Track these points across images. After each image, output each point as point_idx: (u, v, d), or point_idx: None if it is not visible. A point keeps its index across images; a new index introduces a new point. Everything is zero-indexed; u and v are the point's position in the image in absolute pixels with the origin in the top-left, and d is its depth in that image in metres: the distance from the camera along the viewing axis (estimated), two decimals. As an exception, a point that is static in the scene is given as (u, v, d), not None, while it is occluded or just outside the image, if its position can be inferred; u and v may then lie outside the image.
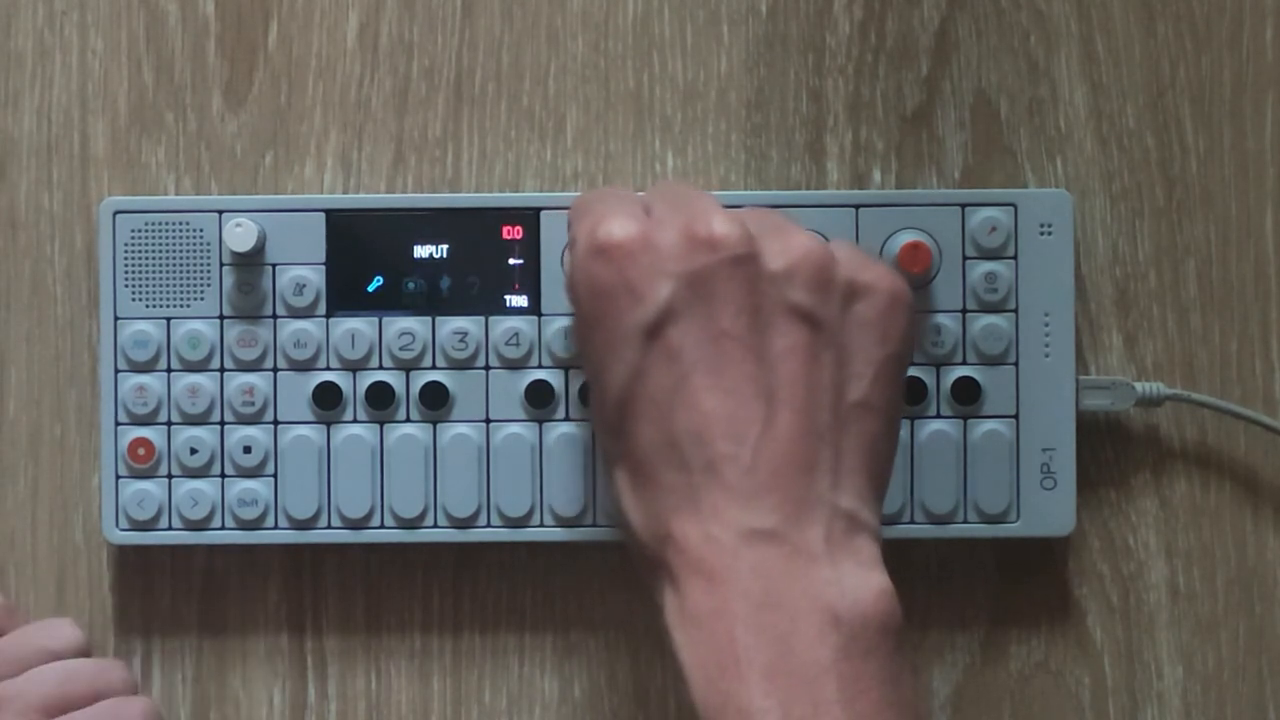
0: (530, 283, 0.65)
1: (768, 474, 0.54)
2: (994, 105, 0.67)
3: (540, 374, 0.65)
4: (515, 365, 0.65)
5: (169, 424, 0.66)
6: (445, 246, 0.66)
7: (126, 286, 0.66)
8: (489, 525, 0.66)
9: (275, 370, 0.66)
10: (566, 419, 0.65)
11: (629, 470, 0.56)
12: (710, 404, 0.54)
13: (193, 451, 0.66)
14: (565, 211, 0.65)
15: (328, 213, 0.66)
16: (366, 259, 0.66)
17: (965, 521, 0.66)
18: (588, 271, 0.55)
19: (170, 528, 0.66)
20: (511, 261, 0.66)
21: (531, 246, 0.66)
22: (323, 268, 0.66)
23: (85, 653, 0.65)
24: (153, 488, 0.66)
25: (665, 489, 0.54)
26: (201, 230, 0.66)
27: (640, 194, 0.59)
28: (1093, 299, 0.67)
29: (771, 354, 0.54)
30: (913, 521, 0.66)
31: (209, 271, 0.66)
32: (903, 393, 0.57)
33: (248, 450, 0.66)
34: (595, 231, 0.56)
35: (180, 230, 0.66)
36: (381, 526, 0.66)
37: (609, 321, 0.55)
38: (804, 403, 0.54)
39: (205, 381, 0.66)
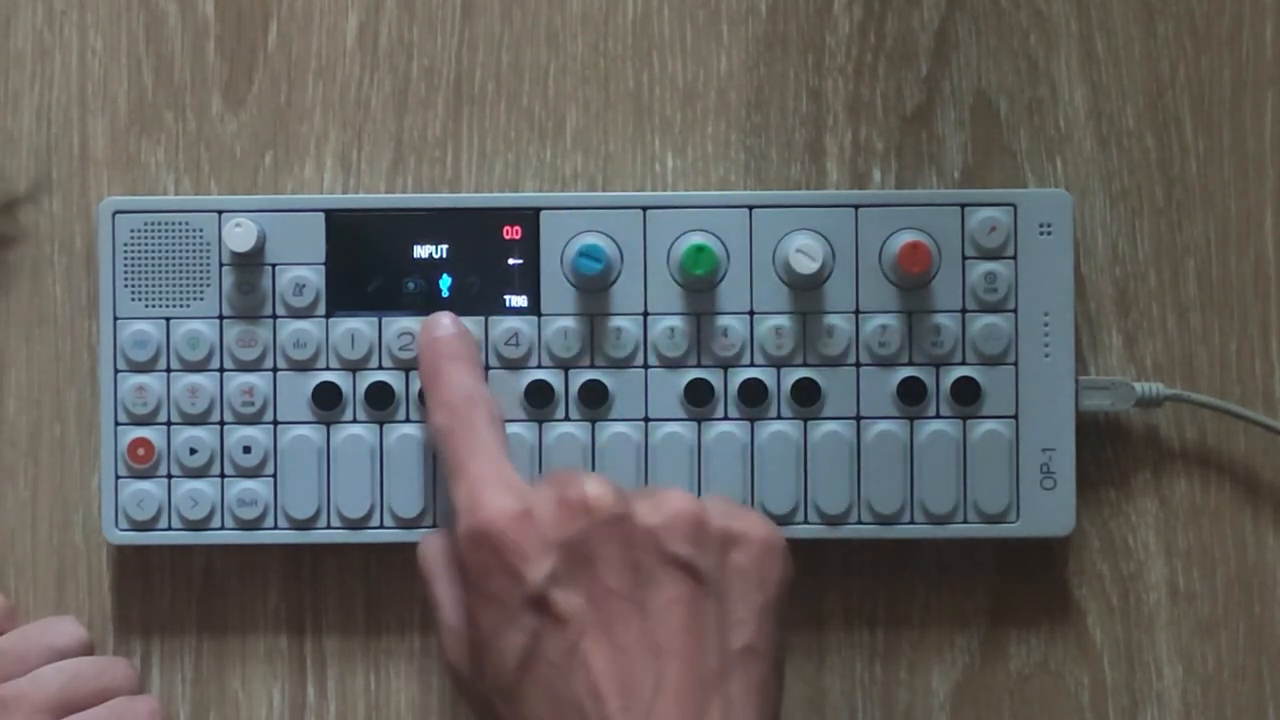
0: (530, 283, 0.66)
1: None
2: (994, 105, 0.67)
3: (540, 374, 0.65)
4: (515, 365, 0.65)
5: (169, 424, 0.66)
6: (445, 246, 0.66)
7: (126, 286, 0.66)
8: (489, 525, 0.66)
9: (275, 370, 0.66)
10: (566, 419, 0.65)
11: None
12: (602, 663, 0.55)
13: (192, 451, 0.66)
14: (565, 212, 0.65)
15: (328, 213, 0.66)
16: (366, 259, 0.66)
17: (965, 521, 0.66)
18: (470, 556, 0.57)
19: (170, 528, 0.66)
20: (511, 261, 0.66)
21: (531, 246, 0.66)
22: (322, 268, 0.66)
23: (89, 651, 0.65)
24: (152, 488, 0.66)
25: None
26: (201, 230, 0.66)
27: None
28: (1093, 299, 0.67)
29: (656, 608, 0.56)
30: (913, 521, 0.66)
31: (209, 271, 0.66)
32: (784, 633, 0.59)
33: (247, 450, 0.66)
34: (474, 512, 0.57)
35: (180, 230, 0.66)
36: (381, 526, 0.66)
37: (497, 600, 0.57)
38: (691, 654, 0.56)
39: (205, 381, 0.66)
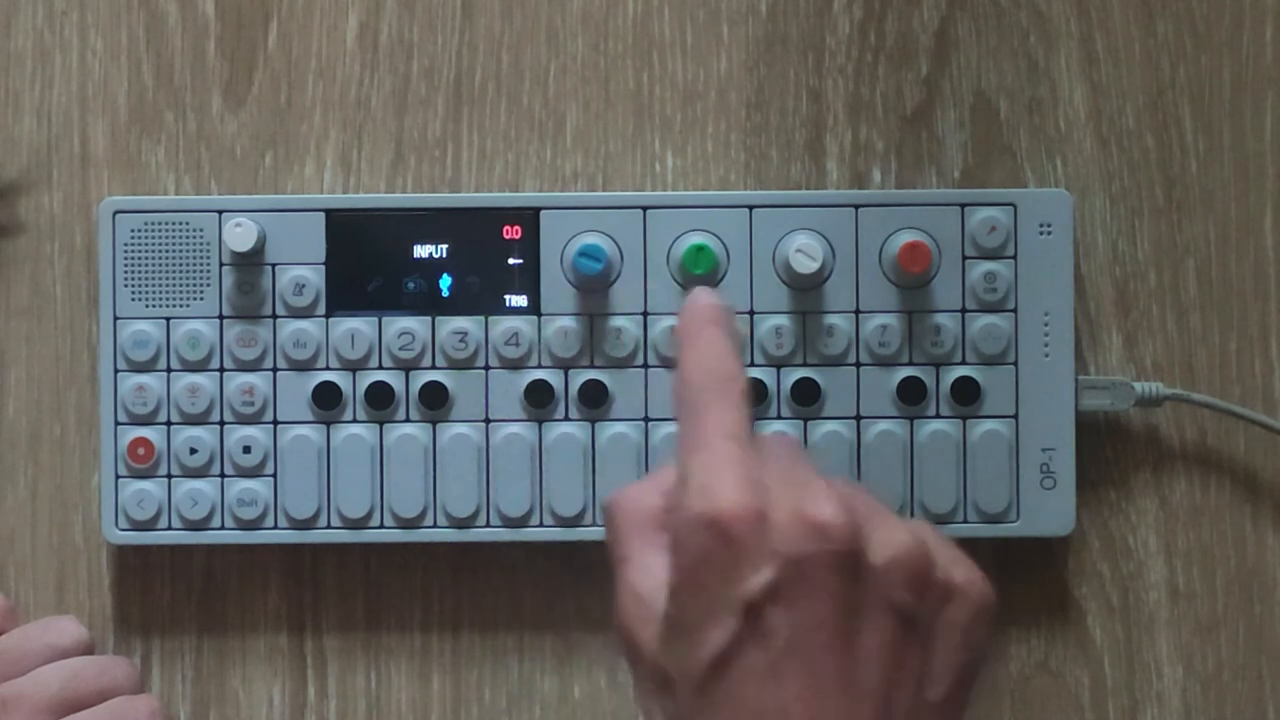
0: (530, 283, 0.66)
1: None
2: (994, 105, 0.67)
3: (540, 374, 0.65)
4: (515, 365, 0.66)
5: (169, 424, 0.66)
6: (445, 246, 0.66)
7: (126, 286, 0.66)
8: (489, 525, 0.66)
9: (275, 370, 0.66)
10: (566, 419, 0.65)
11: None
12: (796, 689, 0.54)
13: (192, 451, 0.66)
14: (565, 212, 0.65)
15: (328, 213, 0.66)
16: (366, 259, 0.66)
17: (965, 521, 0.66)
18: (692, 538, 0.55)
19: (170, 528, 0.66)
20: (511, 261, 0.66)
21: (531, 246, 0.66)
22: (322, 268, 0.66)
23: (89, 650, 0.65)
24: (152, 488, 0.66)
25: None
26: (201, 230, 0.66)
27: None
28: (1092, 299, 0.67)
29: (863, 648, 0.55)
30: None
31: (209, 271, 0.66)
32: (973, 696, 0.58)
33: (247, 450, 0.66)
34: (709, 496, 0.55)
35: (180, 230, 0.66)
36: (381, 526, 0.66)
37: (711, 588, 0.55)
38: (887, 699, 0.55)
39: (205, 381, 0.66)
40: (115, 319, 0.66)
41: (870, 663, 0.55)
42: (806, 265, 0.64)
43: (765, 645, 0.54)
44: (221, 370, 0.66)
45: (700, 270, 0.64)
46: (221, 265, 0.66)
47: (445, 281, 0.66)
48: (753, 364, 0.65)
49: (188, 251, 0.66)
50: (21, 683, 0.63)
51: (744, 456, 0.56)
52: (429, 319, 0.66)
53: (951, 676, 0.56)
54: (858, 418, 0.66)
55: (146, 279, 0.66)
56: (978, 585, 0.57)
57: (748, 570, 0.54)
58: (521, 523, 0.66)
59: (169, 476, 0.66)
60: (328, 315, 0.66)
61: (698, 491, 0.56)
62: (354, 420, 0.66)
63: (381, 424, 0.66)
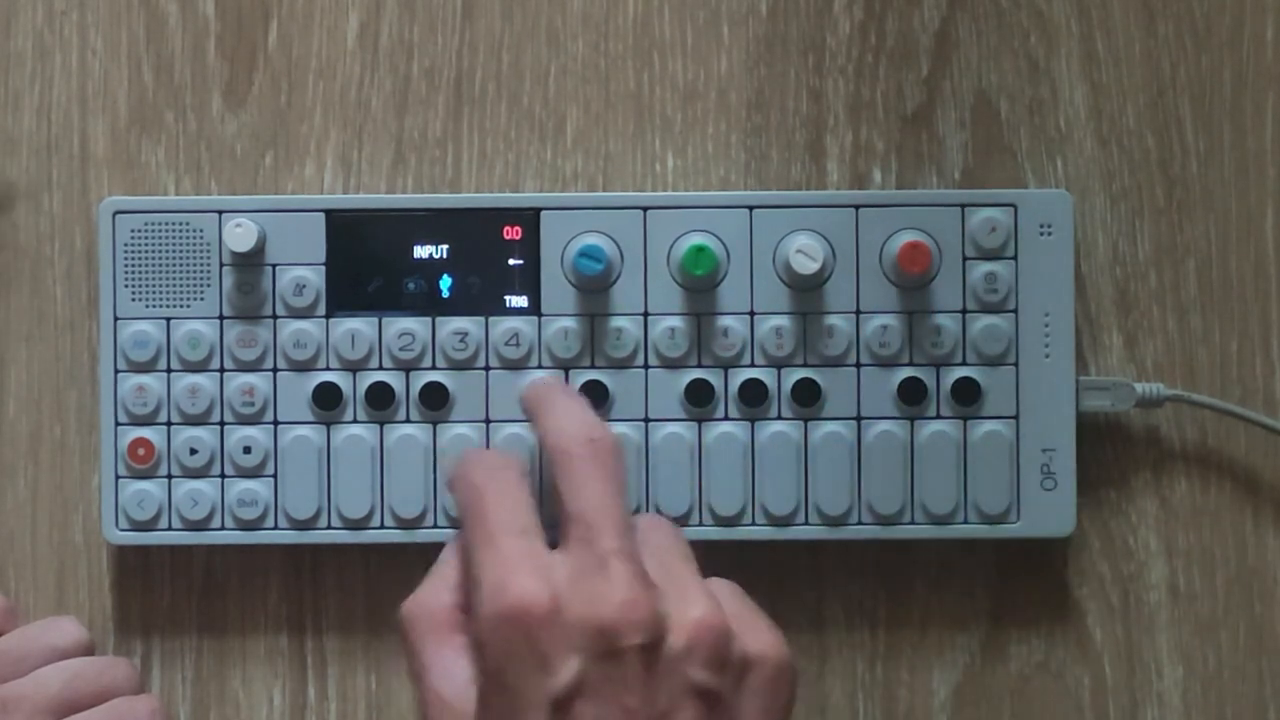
0: (530, 283, 0.66)
1: None
2: (994, 105, 0.67)
3: (540, 374, 0.65)
4: (515, 366, 0.66)
5: (169, 424, 0.66)
6: (445, 246, 0.66)
7: (126, 286, 0.66)
8: (489, 525, 0.66)
9: (275, 370, 0.66)
10: (566, 419, 0.65)
11: None
12: None
13: (193, 452, 0.66)
14: (566, 212, 0.65)
15: (328, 213, 0.66)
16: (366, 259, 0.66)
17: (965, 522, 0.66)
18: (495, 636, 0.56)
19: (170, 528, 0.66)
20: (511, 262, 0.66)
21: (531, 246, 0.66)
22: (323, 268, 0.66)
23: (89, 651, 0.65)
24: (153, 488, 0.66)
25: None
26: (201, 230, 0.66)
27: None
28: (1093, 299, 0.67)
29: None
30: (913, 522, 0.66)
31: (209, 271, 0.66)
32: None
33: (248, 450, 0.66)
34: (504, 590, 0.56)
35: (180, 230, 0.66)
36: (381, 527, 0.66)
37: (517, 688, 0.56)
38: None
39: (205, 382, 0.66)
40: (115, 319, 0.66)
41: None
42: (807, 265, 0.64)
43: None
44: (222, 370, 0.66)
45: (700, 270, 0.64)
46: (221, 265, 0.66)
47: (445, 282, 0.66)
48: (753, 364, 0.65)
49: (188, 252, 0.66)
50: (22, 683, 0.63)
51: (531, 549, 0.57)
52: (429, 319, 0.66)
53: None
54: (858, 418, 0.66)
55: (146, 279, 0.66)
56: (774, 649, 0.58)
57: (553, 664, 0.55)
58: (522, 523, 0.66)
59: (169, 477, 0.66)
60: (328, 315, 0.66)
61: (491, 591, 0.56)
62: (354, 420, 0.66)
63: (382, 424, 0.66)
